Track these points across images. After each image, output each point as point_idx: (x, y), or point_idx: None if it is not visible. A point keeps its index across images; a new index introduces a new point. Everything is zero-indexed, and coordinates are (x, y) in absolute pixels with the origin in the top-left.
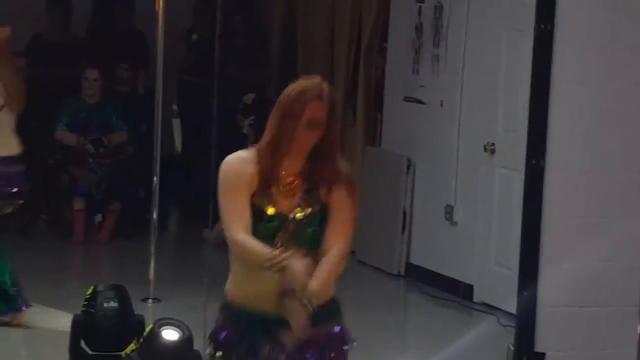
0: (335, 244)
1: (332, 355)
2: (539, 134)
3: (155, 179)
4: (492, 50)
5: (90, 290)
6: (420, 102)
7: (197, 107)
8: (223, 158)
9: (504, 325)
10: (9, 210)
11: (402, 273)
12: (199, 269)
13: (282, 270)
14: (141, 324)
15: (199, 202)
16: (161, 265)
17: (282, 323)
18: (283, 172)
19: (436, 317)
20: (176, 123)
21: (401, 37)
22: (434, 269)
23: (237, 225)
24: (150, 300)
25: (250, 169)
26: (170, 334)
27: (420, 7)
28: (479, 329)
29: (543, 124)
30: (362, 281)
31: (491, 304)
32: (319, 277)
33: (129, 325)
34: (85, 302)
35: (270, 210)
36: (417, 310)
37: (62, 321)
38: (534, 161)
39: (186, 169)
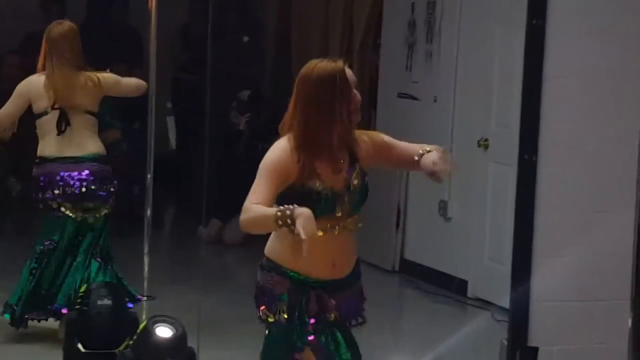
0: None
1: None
2: (531, 129)
3: (149, 176)
4: (485, 46)
5: (83, 288)
6: (413, 98)
7: (192, 104)
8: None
9: (497, 320)
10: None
11: (397, 269)
12: (194, 267)
13: (292, 223)
14: (135, 321)
15: (193, 200)
16: (155, 262)
17: (332, 289)
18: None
19: (430, 313)
20: (171, 121)
21: (394, 34)
22: (428, 265)
23: (253, 198)
24: (144, 298)
25: (292, 165)
26: (163, 331)
27: (413, 3)
28: (473, 324)
29: (535, 119)
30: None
31: (485, 299)
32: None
33: (122, 322)
34: (79, 300)
35: (321, 185)
36: (412, 305)
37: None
38: (526, 156)
39: (181, 167)
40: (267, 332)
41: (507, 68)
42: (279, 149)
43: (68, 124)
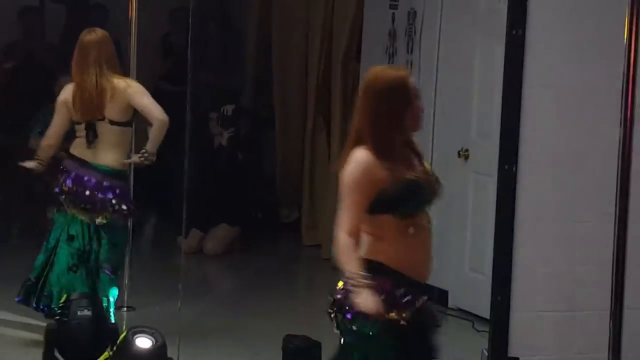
0: None
1: None
2: (511, 139)
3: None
4: (466, 56)
5: (63, 299)
6: None
7: (173, 114)
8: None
9: (478, 331)
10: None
11: None
12: (173, 277)
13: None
14: (115, 332)
15: (173, 210)
16: (135, 273)
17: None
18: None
19: None
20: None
21: (375, 44)
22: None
23: (346, 225)
24: (124, 309)
25: (378, 170)
26: (143, 342)
27: (393, 13)
28: (453, 334)
29: (515, 130)
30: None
31: (466, 309)
32: None
33: (102, 333)
34: (59, 311)
35: (412, 176)
36: None
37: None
38: (506, 166)
39: (161, 177)
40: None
41: (487, 78)
42: (363, 161)
43: (95, 136)
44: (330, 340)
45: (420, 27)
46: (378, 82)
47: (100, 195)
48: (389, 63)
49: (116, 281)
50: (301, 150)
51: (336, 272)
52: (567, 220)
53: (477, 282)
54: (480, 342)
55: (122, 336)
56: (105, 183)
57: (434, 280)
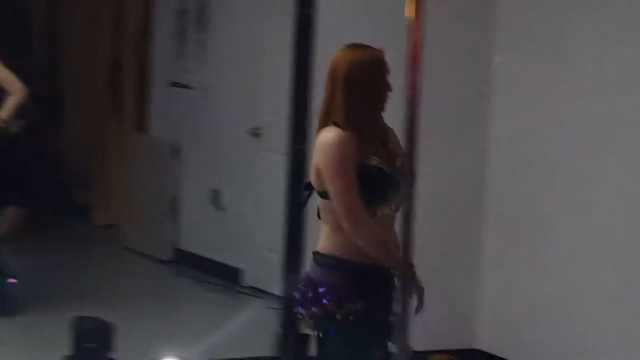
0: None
1: None
2: (301, 118)
3: None
4: (257, 34)
5: None
6: (186, 87)
7: None
8: None
9: (272, 308)
10: None
11: (172, 259)
12: None
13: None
14: None
15: None
16: None
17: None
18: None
19: (206, 302)
20: None
21: (166, 22)
22: (203, 254)
23: (357, 201)
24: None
25: (352, 150)
26: None
27: None
28: (248, 313)
29: (305, 108)
30: (131, 268)
31: (260, 287)
32: None
33: None
34: None
35: (379, 163)
36: (187, 295)
37: None
38: (297, 145)
39: None
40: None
41: (277, 57)
42: (340, 141)
43: None
44: (124, 319)
45: (211, 5)
46: (351, 59)
47: None
48: (180, 42)
49: None
50: (93, 131)
51: (129, 252)
52: None
53: (270, 260)
54: (273, 320)
55: None
56: None
57: (228, 259)
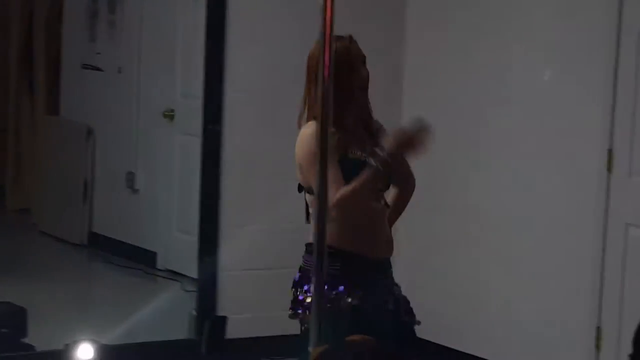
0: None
1: None
2: (214, 99)
3: None
4: (169, 15)
5: None
6: (98, 69)
7: None
8: None
9: (187, 291)
10: None
11: (85, 243)
12: None
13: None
14: None
15: None
16: None
17: (386, 268)
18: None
19: (121, 286)
20: None
21: (77, 4)
22: (117, 238)
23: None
24: None
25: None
26: None
27: None
28: (163, 296)
29: (218, 89)
30: (45, 252)
31: (175, 270)
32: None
33: None
34: None
35: (361, 155)
36: (102, 279)
37: None
38: (210, 126)
39: None
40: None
41: (190, 38)
42: (314, 133)
43: None
44: (38, 303)
45: None
46: (317, 53)
47: None
48: (91, 23)
49: None
50: (5, 113)
51: (43, 236)
52: (272, 179)
53: (186, 243)
54: (190, 303)
55: None
56: None
57: (142, 242)
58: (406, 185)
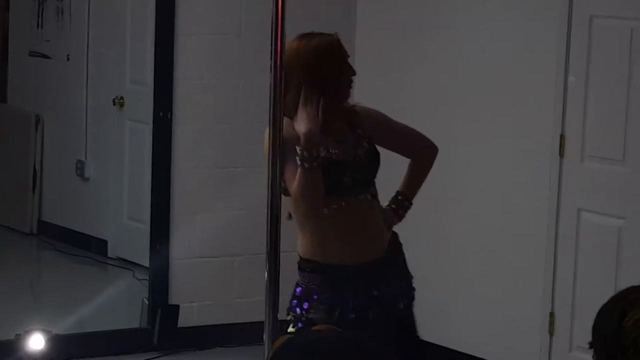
0: (422, 147)
1: None
2: (164, 86)
3: None
4: (118, 2)
5: None
6: (46, 56)
7: None
8: None
9: (139, 280)
10: None
11: (35, 231)
12: None
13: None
14: None
15: None
16: None
17: (376, 271)
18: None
19: (72, 275)
20: None
21: None
22: (67, 226)
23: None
24: None
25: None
26: None
27: None
28: (114, 285)
29: (169, 77)
30: None
31: (127, 258)
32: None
33: None
34: None
35: (323, 153)
36: (52, 268)
37: None
38: (161, 114)
39: None
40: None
41: (140, 25)
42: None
43: None
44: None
45: None
46: (299, 49)
47: None
48: (38, 10)
49: None
50: None
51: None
52: (223, 166)
53: (137, 231)
54: (142, 291)
55: None
56: None
57: (93, 230)
58: (415, 154)
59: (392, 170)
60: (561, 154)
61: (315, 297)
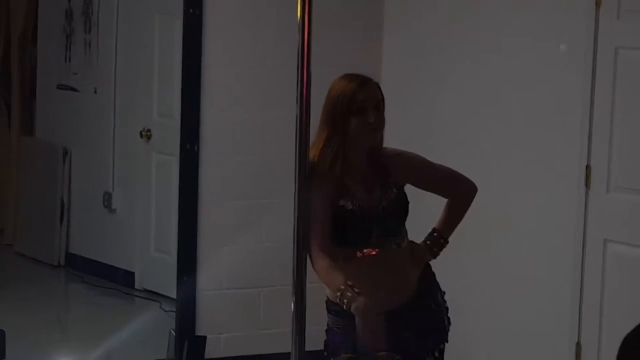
0: (460, 188)
1: None
2: (191, 119)
3: None
4: (145, 36)
5: None
6: (74, 89)
7: None
8: None
9: (166, 311)
10: None
11: (63, 263)
12: None
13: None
14: None
15: None
16: None
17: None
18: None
19: (99, 307)
20: None
21: (52, 23)
22: (94, 258)
23: (318, 242)
24: None
25: (327, 181)
26: None
27: None
28: (141, 316)
29: (195, 109)
30: (22, 274)
31: (153, 290)
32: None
33: None
34: None
35: (352, 205)
36: (79, 300)
37: None
38: (188, 146)
39: None
40: None
41: (167, 58)
42: (313, 174)
43: None
44: (16, 325)
45: (97, 6)
46: (330, 89)
47: None
48: (66, 43)
49: None
50: None
51: (19, 257)
52: (250, 198)
53: (164, 262)
54: (169, 323)
55: None
56: None
57: (120, 262)
58: (456, 195)
59: (427, 207)
60: (587, 184)
61: (339, 338)
